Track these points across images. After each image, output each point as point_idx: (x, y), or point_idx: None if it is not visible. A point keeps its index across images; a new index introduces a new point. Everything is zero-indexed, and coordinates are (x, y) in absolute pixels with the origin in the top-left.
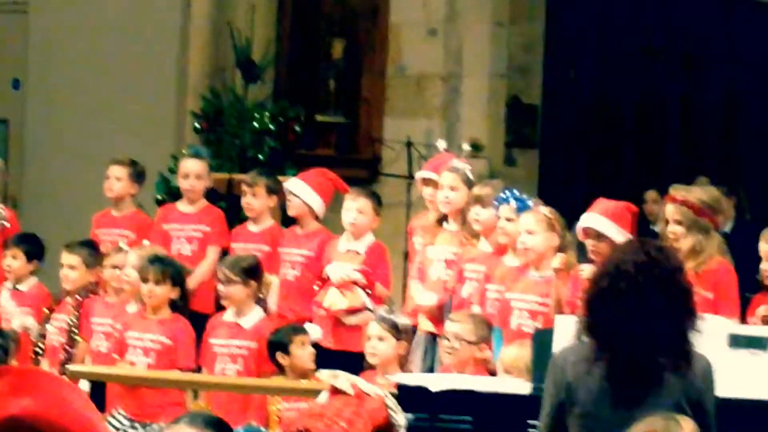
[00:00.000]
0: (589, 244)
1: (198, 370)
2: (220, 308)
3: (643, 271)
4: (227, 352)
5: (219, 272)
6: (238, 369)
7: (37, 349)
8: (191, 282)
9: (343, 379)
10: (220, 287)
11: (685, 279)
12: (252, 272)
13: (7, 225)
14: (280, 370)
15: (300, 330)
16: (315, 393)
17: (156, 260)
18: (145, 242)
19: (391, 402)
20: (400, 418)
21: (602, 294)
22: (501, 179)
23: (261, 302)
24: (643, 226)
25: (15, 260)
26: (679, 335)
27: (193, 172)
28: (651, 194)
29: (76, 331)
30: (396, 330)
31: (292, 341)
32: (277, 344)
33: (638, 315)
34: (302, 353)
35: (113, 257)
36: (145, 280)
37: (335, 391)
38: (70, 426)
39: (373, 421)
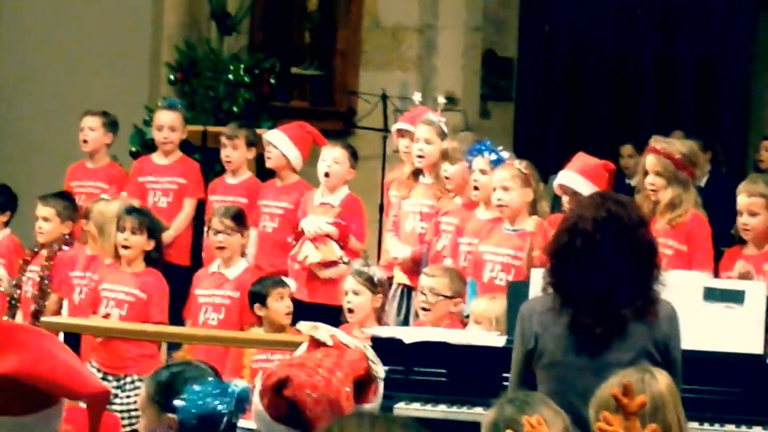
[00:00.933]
0: (565, 200)
1: (181, 322)
2: (195, 261)
3: (601, 227)
4: (211, 301)
5: (217, 223)
6: (220, 318)
7: (12, 301)
8: (168, 234)
9: (323, 330)
10: (219, 237)
11: (647, 232)
12: (244, 222)
13: None
14: (260, 321)
15: (279, 282)
16: (294, 345)
17: (132, 210)
18: (123, 194)
19: (371, 354)
20: (380, 369)
21: (562, 250)
22: (473, 132)
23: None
24: (619, 180)
25: None
26: (640, 288)
27: (167, 124)
28: (627, 148)
29: (47, 283)
30: (372, 283)
31: (269, 294)
32: (256, 295)
33: (595, 271)
34: (279, 306)
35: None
36: (121, 229)
37: (315, 343)
38: (58, 378)
39: (354, 372)
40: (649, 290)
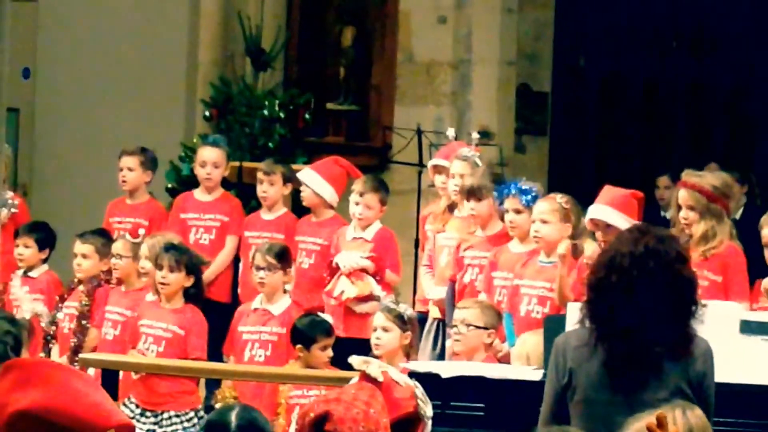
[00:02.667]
0: (598, 234)
1: (220, 358)
2: (235, 297)
3: (638, 263)
4: (257, 338)
5: (260, 259)
6: (267, 355)
7: (48, 337)
8: (210, 272)
9: (374, 365)
10: (261, 274)
11: (686, 267)
12: (287, 259)
13: (15, 210)
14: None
15: (327, 332)
16: (339, 381)
17: (171, 248)
18: (141, 231)
19: (420, 392)
20: (429, 408)
21: (598, 285)
22: (509, 167)
23: None
24: (654, 212)
25: (27, 248)
26: (677, 325)
27: (211, 161)
28: (663, 180)
29: (86, 319)
30: (401, 320)
31: (316, 341)
32: (302, 336)
33: (631, 307)
34: (320, 355)
35: (114, 245)
36: (159, 267)
37: (365, 378)
38: (82, 413)
39: (402, 410)
40: (686, 327)
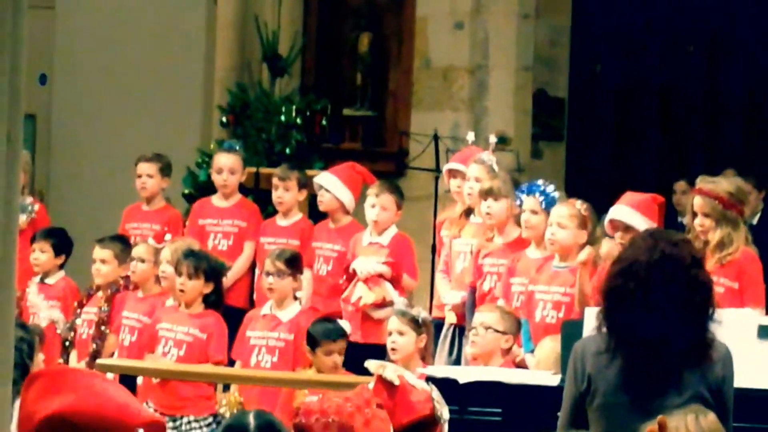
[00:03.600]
0: (617, 236)
1: (231, 363)
2: (252, 303)
3: (654, 270)
4: (264, 344)
5: (269, 265)
6: (273, 361)
7: (66, 343)
8: (228, 277)
9: (390, 369)
10: (270, 279)
11: (702, 272)
12: (297, 266)
13: (34, 216)
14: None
15: (331, 336)
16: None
17: (190, 254)
18: (167, 237)
19: (437, 395)
20: (445, 411)
21: (615, 292)
22: (525, 172)
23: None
24: (672, 218)
25: (43, 254)
26: (695, 330)
27: (227, 167)
28: (680, 185)
29: (105, 324)
30: (415, 323)
31: (319, 344)
32: (309, 337)
33: (649, 314)
34: (324, 360)
35: (135, 249)
36: (179, 274)
37: (382, 382)
38: (109, 414)
39: (418, 413)
40: (705, 332)
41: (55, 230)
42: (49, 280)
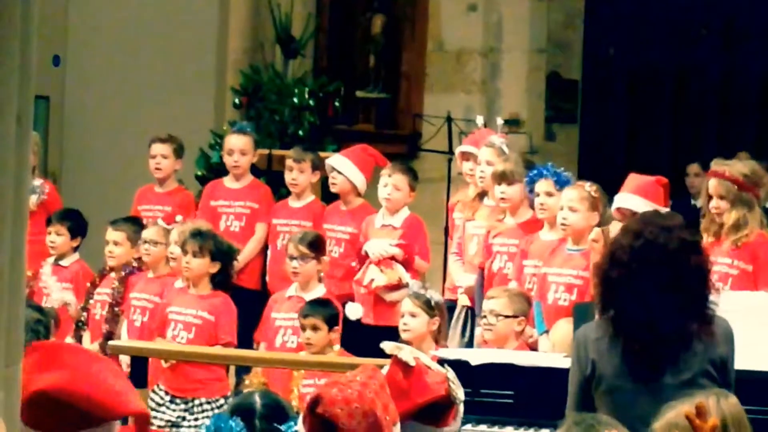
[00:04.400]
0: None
1: (250, 345)
2: (264, 284)
3: (637, 257)
4: (290, 324)
5: (293, 249)
6: (299, 341)
7: (79, 323)
8: (241, 259)
9: (406, 351)
10: (294, 263)
11: (694, 256)
12: (320, 248)
13: (44, 197)
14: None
15: (311, 313)
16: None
17: (196, 233)
18: (178, 218)
19: (452, 376)
20: (461, 393)
21: (604, 279)
22: (538, 154)
23: None
24: (685, 200)
25: (59, 237)
26: (693, 307)
27: (238, 148)
28: (693, 167)
29: (118, 306)
30: (429, 306)
31: (303, 325)
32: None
33: (634, 300)
34: (310, 335)
35: (145, 232)
36: (184, 252)
37: (398, 363)
38: (98, 397)
39: (434, 393)
40: (701, 312)
41: (71, 212)
42: (63, 262)
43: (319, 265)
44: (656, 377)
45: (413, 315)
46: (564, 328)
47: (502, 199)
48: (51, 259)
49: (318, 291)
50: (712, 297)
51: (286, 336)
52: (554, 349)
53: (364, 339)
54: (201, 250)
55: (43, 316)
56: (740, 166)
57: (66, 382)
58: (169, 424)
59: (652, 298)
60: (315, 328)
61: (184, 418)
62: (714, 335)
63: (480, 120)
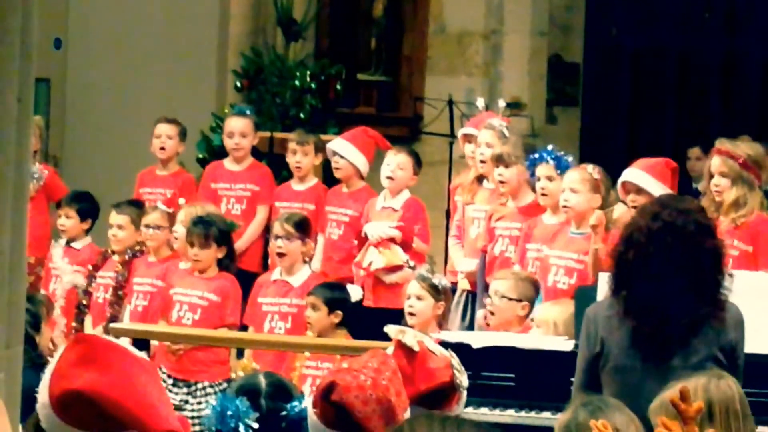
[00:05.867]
0: (629, 199)
1: (243, 328)
2: (266, 267)
3: (654, 238)
4: (277, 310)
5: (279, 228)
6: (287, 327)
7: (81, 307)
8: (242, 241)
9: (410, 335)
10: (279, 242)
11: (709, 240)
12: (306, 230)
13: (41, 183)
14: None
15: (313, 292)
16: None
17: (199, 222)
18: (181, 201)
19: (456, 362)
20: (464, 379)
21: (620, 259)
22: (540, 137)
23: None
24: (686, 184)
25: (69, 219)
26: (705, 292)
27: (238, 131)
28: (694, 151)
29: (122, 289)
30: (435, 290)
31: (306, 303)
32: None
33: (650, 282)
34: (309, 314)
35: (148, 216)
36: (191, 244)
37: (401, 348)
38: (135, 410)
39: (437, 380)
40: (716, 293)
41: (81, 194)
42: (75, 245)
43: (304, 247)
44: (665, 359)
45: (419, 298)
46: (544, 310)
47: (501, 182)
48: (62, 242)
49: (303, 274)
50: (725, 282)
51: (274, 322)
52: (535, 329)
53: (364, 321)
54: (207, 239)
55: (31, 304)
56: (745, 147)
57: (105, 385)
58: (172, 407)
59: (667, 280)
60: (314, 308)
61: (187, 402)
62: (725, 321)
63: (481, 102)
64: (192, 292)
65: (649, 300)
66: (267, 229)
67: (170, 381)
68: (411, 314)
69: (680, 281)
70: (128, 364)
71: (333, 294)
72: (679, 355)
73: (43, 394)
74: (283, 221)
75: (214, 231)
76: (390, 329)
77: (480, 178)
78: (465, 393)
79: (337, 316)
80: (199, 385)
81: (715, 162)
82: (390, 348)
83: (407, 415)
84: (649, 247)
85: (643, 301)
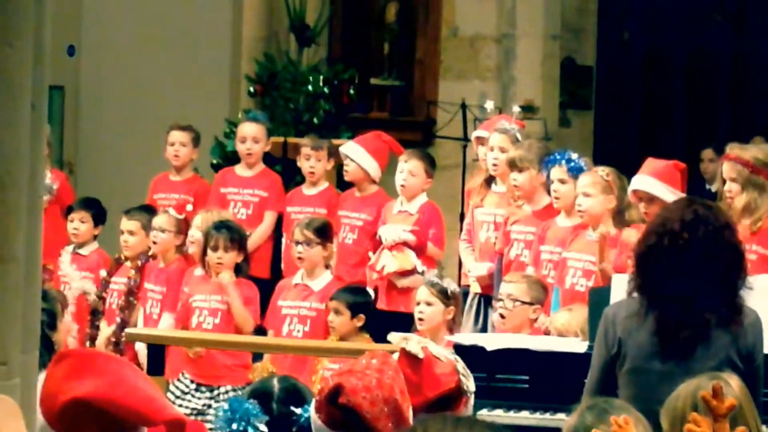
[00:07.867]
0: (641, 206)
1: (262, 332)
2: (274, 273)
3: (688, 228)
4: (296, 313)
5: (298, 234)
6: (305, 330)
7: (95, 312)
8: (248, 246)
9: (414, 342)
10: (299, 248)
11: (734, 236)
12: (327, 235)
13: (52, 195)
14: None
15: (336, 297)
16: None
17: (222, 227)
18: (189, 207)
19: (462, 367)
20: (471, 383)
21: (649, 251)
22: (553, 140)
23: None
24: (699, 186)
25: (83, 224)
26: (726, 292)
27: (251, 136)
28: (707, 153)
29: (134, 295)
30: (444, 295)
31: (328, 307)
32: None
33: (683, 272)
34: (332, 318)
35: (155, 219)
36: (214, 248)
37: (405, 355)
38: (136, 405)
39: (443, 386)
40: (735, 296)
41: (91, 200)
42: (82, 251)
43: (325, 251)
44: (685, 359)
45: (429, 303)
46: (563, 317)
47: (515, 186)
48: (70, 248)
49: (324, 278)
50: (743, 285)
51: (293, 325)
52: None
53: (377, 324)
54: (232, 243)
55: (47, 303)
56: (754, 150)
57: (104, 389)
58: (195, 412)
59: (699, 270)
60: (337, 312)
61: (209, 406)
62: (742, 324)
63: (490, 105)
64: (211, 297)
65: (679, 290)
66: (279, 235)
67: (193, 386)
68: (421, 320)
69: (710, 275)
70: (115, 366)
71: (356, 298)
72: (699, 357)
73: (40, 419)
74: (303, 227)
75: (236, 236)
76: (393, 337)
77: (489, 182)
78: (472, 396)
79: (360, 320)
80: (222, 389)
81: (726, 167)
82: (395, 355)
83: (411, 413)
84: (683, 235)
85: (672, 291)
